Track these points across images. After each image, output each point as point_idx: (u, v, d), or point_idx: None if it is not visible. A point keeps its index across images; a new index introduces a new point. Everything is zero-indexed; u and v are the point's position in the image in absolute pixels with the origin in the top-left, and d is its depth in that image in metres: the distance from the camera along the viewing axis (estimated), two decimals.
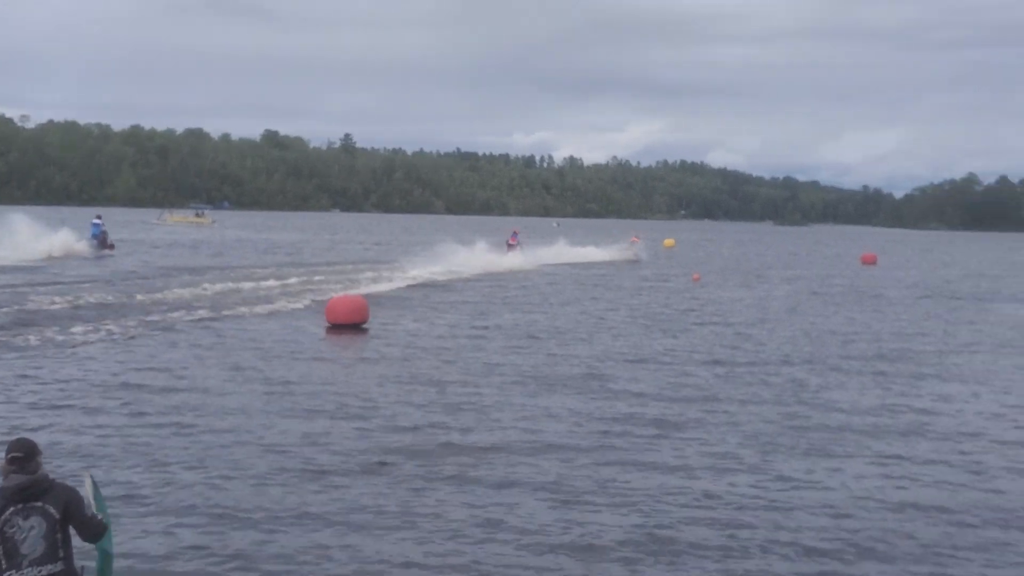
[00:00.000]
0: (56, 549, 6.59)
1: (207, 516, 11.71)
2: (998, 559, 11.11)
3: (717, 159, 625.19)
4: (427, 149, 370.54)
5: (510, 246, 66.22)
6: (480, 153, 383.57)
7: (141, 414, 16.78)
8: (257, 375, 20.85)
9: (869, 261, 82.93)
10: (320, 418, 16.84)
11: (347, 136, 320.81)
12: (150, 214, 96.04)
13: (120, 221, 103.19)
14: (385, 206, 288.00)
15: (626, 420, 17.29)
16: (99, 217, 65.54)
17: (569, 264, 66.03)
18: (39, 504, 6.55)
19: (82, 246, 58.11)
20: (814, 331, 31.52)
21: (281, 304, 33.95)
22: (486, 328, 29.99)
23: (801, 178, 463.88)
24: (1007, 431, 17.60)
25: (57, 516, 6.59)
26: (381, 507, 12.23)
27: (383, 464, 14.04)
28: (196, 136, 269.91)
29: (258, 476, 13.31)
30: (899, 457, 15.32)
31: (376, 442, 15.23)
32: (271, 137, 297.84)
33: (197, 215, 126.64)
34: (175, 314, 30.26)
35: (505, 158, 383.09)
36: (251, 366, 21.92)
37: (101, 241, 60.96)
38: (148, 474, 13.27)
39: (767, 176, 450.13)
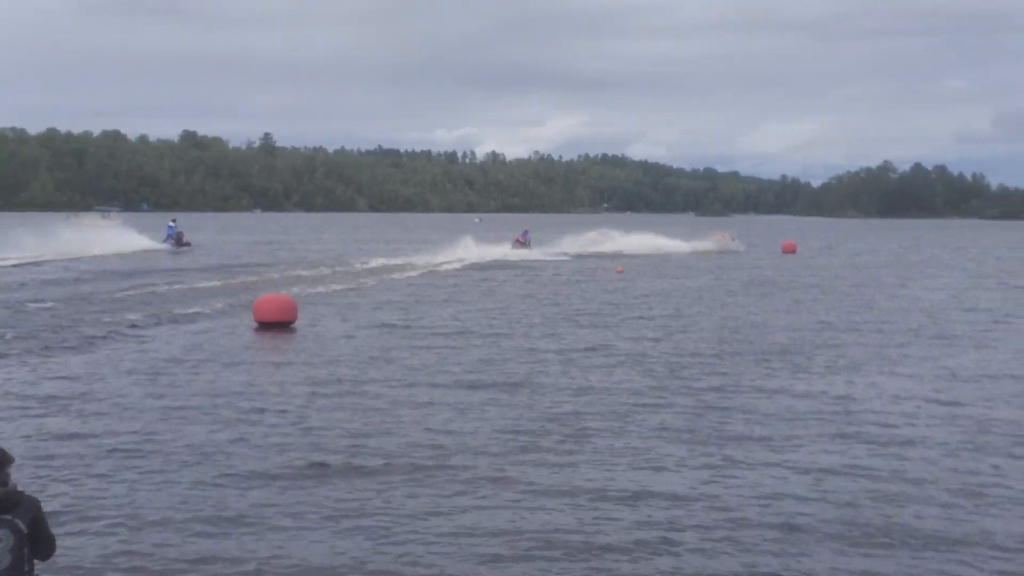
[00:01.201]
0: (22, 563, 6.37)
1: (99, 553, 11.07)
2: (914, 557, 11.24)
3: (638, 152, 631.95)
4: (348, 147, 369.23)
5: (519, 243, 74.00)
6: (402, 150, 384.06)
7: (51, 423, 16.55)
8: (174, 380, 20.61)
9: (789, 250, 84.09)
10: (228, 428, 16.44)
11: (267, 135, 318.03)
12: (61, 218, 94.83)
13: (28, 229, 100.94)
14: (307, 205, 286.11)
15: (546, 429, 16.78)
16: (174, 220, 79.13)
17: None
18: (8, 517, 6.30)
19: (161, 245, 71.38)
20: (734, 323, 31.84)
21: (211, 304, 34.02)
22: (408, 326, 29.85)
23: (721, 169, 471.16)
24: (915, 423, 17.71)
25: (25, 531, 6.36)
26: (274, 528, 11.78)
27: (274, 478, 13.65)
28: (113, 138, 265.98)
29: (159, 501, 12.72)
30: (811, 454, 15.36)
31: (283, 456, 14.73)
32: (189, 137, 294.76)
33: (103, 217, 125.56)
34: (95, 318, 29.98)
35: (427, 155, 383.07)
36: (169, 370, 21.68)
37: (177, 240, 73.32)
38: (44, 485, 13.10)
39: (688, 167, 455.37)
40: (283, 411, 17.81)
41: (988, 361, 24.85)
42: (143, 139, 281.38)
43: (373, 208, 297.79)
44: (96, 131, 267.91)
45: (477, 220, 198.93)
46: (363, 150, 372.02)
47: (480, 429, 16.64)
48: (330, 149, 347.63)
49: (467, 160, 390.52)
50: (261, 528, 11.88)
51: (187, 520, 12.07)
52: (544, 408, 18.39)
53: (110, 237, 69.38)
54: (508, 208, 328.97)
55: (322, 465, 14.33)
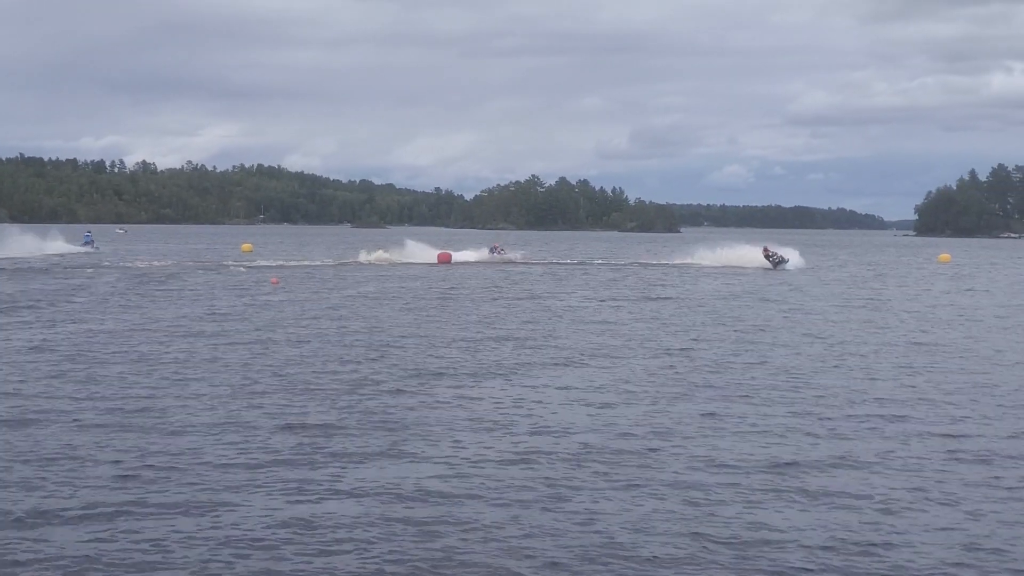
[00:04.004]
0: None
1: None
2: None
3: (294, 163, 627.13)
4: None
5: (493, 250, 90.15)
6: (46, 158, 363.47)
7: None
8: None
9: (444, 260, 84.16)
10: None
11: None
12: None
13: None
14: None
15: (186, 453, 16.14)
16: (89, 231, 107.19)
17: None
18: None
19: (82, 248, 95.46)
20: (372, 338, 31.32)
21: None
22: (57, 347, 28.19)
23: (377, 181, 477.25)
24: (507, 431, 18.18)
25: None
26: None
27: None
28: None
29: None
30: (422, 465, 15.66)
31: None
32: None
33: None
34: None
35: (73, 163, 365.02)
36: None
37: (91, 244, 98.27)
38: None
39: (344, 179, 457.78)
40: None
41: (604, 371, 25.31)
42: None
43: (15, 219, 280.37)
44: None
45: (120, 231, 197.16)
46: (4, 158, 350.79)
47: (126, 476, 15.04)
48: None
49: (116, 169, 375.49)
50: None
51: None
52: (177, 428, 17.81)
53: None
54: (160, 219, 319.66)
55: None
